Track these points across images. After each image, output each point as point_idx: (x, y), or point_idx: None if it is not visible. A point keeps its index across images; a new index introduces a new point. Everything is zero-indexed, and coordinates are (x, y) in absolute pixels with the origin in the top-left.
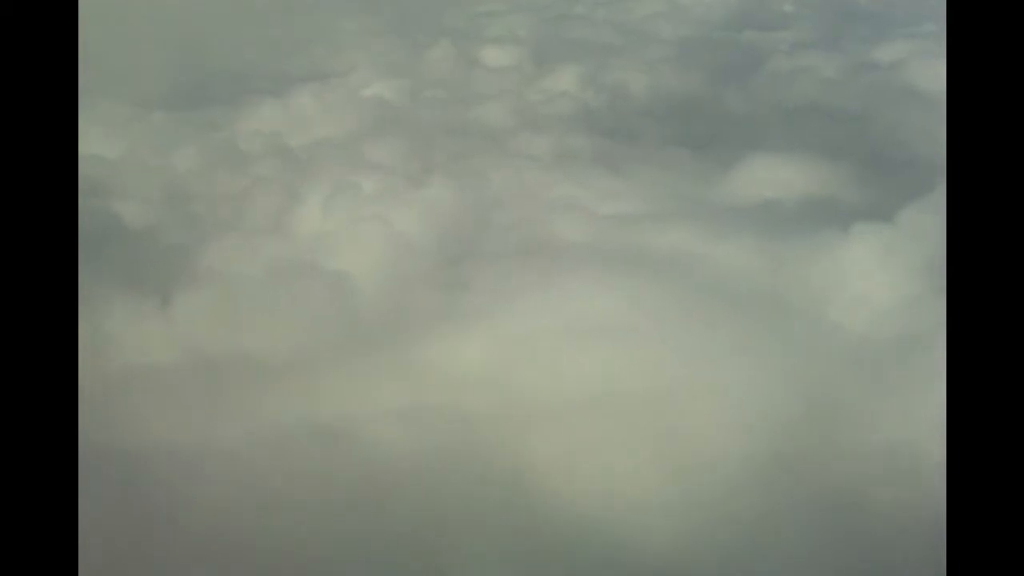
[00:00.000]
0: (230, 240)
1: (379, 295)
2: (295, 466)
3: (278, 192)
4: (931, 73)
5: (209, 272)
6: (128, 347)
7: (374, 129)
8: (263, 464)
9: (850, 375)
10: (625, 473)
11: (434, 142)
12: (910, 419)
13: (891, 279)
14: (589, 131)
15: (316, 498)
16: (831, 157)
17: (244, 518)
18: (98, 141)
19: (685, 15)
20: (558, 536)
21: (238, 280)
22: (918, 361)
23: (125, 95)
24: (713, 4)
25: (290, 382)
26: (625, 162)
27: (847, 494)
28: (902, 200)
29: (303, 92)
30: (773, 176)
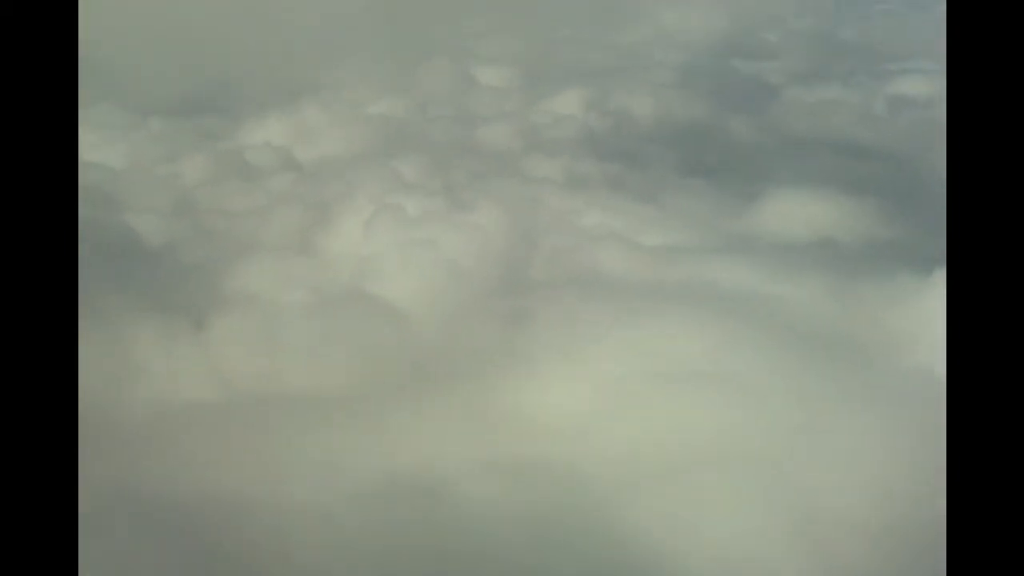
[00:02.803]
0: (258, 260)
1: (436, 326)
2: (387, 524)
3: (299, 209)
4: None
5: (242, 295)
6: (161, 379)
7: (386, 147)
8: (350, 522)
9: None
10: (751, 536)
11: (450, 163)
12: None
13: None
14: (598, 156)
15: (415, 559)
16: (860, 193)
17: None
18: (99, 148)
19: (673, 40)
20: None
21: (275, 305)
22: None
23: (122, 100)
24: (699, 30)
25: (357, 426)
26: (646, 190)
27: None
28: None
29: (306, 106)
30: (803, 212)
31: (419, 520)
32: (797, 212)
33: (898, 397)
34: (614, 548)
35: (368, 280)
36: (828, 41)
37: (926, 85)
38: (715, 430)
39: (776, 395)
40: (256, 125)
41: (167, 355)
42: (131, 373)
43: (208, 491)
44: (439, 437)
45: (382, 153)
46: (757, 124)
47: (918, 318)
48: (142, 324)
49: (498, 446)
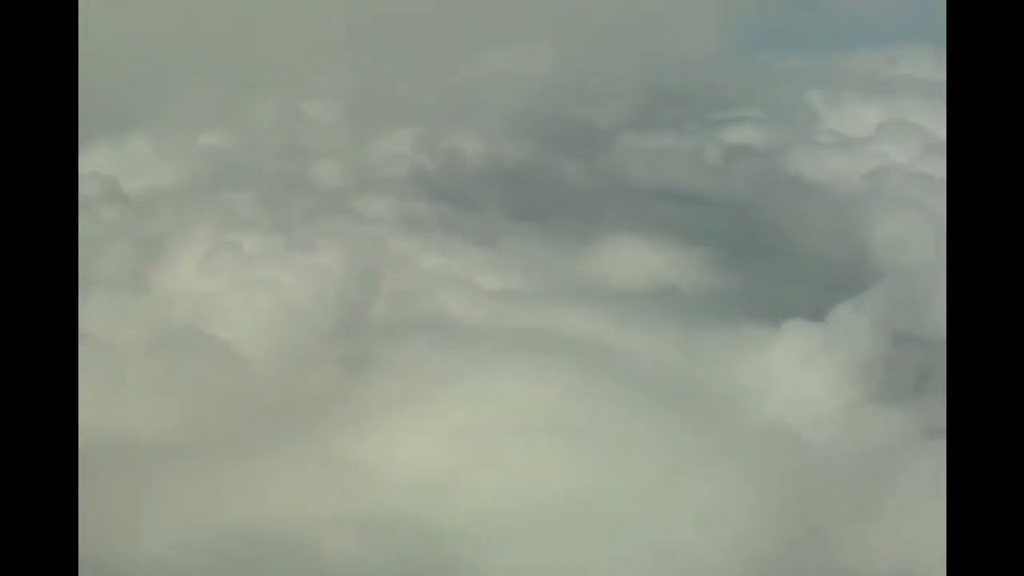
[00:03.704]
0: (88, 296)
1: (276, 370)
2: None
3: (129, 242)
4: (805, 159)
5: None
6: None
7: (216, 180)
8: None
9: (820, 489)
10: None
11: (282, 199)
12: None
13: (824, 379)
14: (429, 196)
15: None
16: (696, 242)
17: None
18: None
19: (505, 82)
20: None
21: (108, 343)
22: (883, 473)
23: None
24: (531, 73)
25: (202, 474)
26: (481, 232)
27: None
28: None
29: (134, 136)
30: (640, 259)
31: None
32: (633, 259)
33: (751, 451)
34: None
35: (205, 320)
36: (659, 89)
37: (758, 134)
38: (570, 483)
39: (630, 448)
40: (82, 154)
41: None
42: None
43: None
44: (289, 488)
45: (213, 187)
46: (589, 169)
47: (767, 371)
48: None
49: (353, 500)
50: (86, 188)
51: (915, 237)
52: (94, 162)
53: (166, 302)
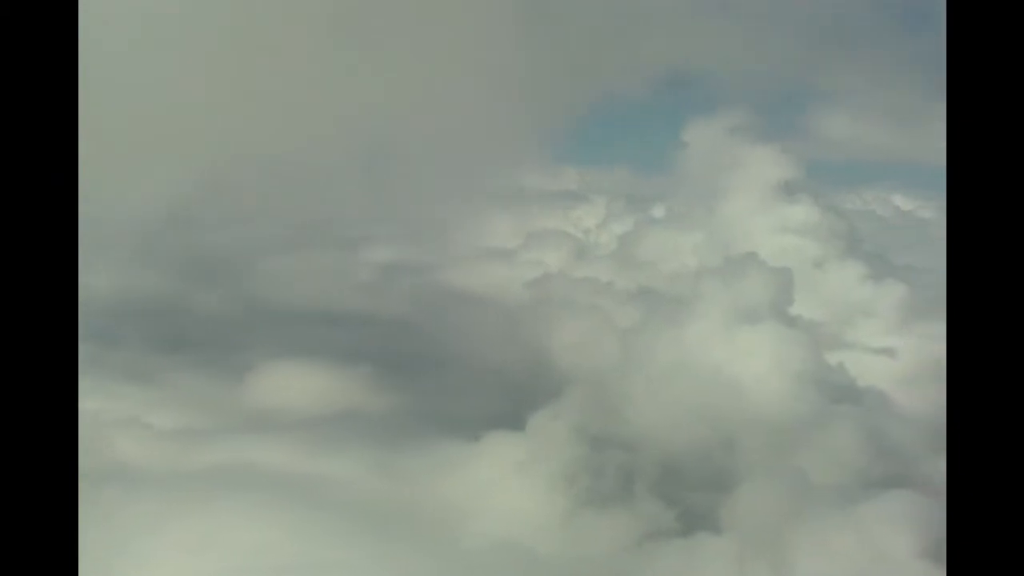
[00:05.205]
0: None
1: None
2: None
3: None
4: (460, 272)
5: None
6: None
7: None
8: None
9: None
10: None
11: None
12: None
13: (533, 489)
14: None
15: None
16: (356, 362)
17: None
18: None
19: (131, 212)
20: None
21: None
22: None
23: None
24: (159, 201)
25: None
26: (132, 368)
27: None
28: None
29: None
30: (303, 383)
31: None
32: (297, 383)
33: (484, 571)
34: None
35: None
36: (299, 211)
37: (403, 251)
38: None
39: None
40: None
41: None
42: None
43: None
44: None
45: None
46: (231, 296)
47: (474, 486)
48: None
49: None
50: None
51: (592, 340)
52: None
53: None
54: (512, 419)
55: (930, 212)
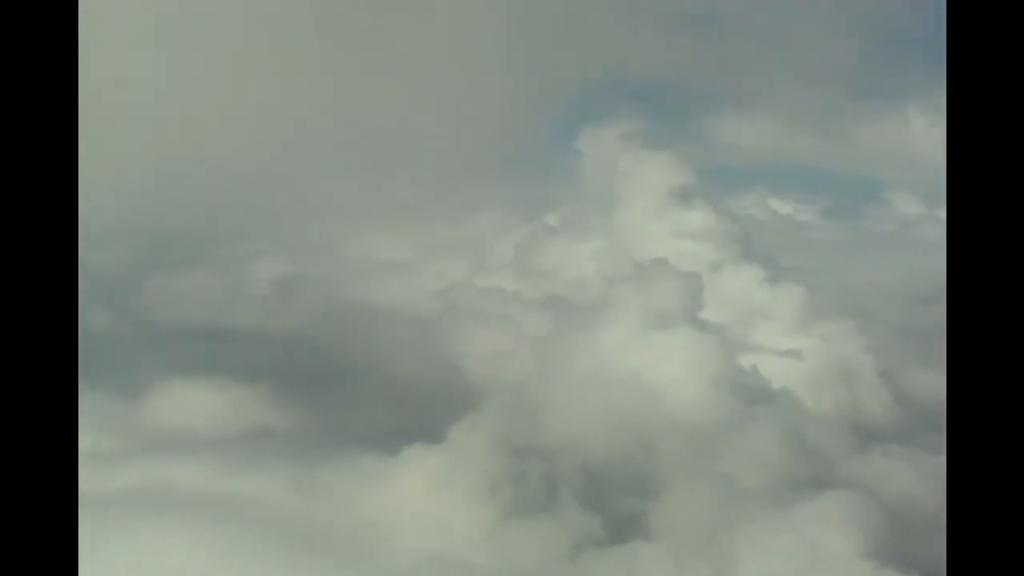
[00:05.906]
0: None
1: None
2: None
3: None
4: (360, 286)
5: None
6: None
7: None
8: None
9: None
10: None
11: None
12: None
13: (456, 502)
14: None
15: None
16: (255, 379)
17: None
18: None
19: None
20: None
21: None
22: None
23: None
24: None
25: None
26: None
27: None
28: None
29: None
30: (203, 402)
31: None
32: (195, 403)
33: None
34: None
35: None
36: (169, 227)
37: (293, 265)
38: None
39: None
40: None
41: None
42: None
43: None
44: None
45: None
46: (118, 316)
47: (395, 501)
48: None
49: None
50: None
51: (505, 350)
52: None
53: None
54: (430, 432)
55: (807, 215)
